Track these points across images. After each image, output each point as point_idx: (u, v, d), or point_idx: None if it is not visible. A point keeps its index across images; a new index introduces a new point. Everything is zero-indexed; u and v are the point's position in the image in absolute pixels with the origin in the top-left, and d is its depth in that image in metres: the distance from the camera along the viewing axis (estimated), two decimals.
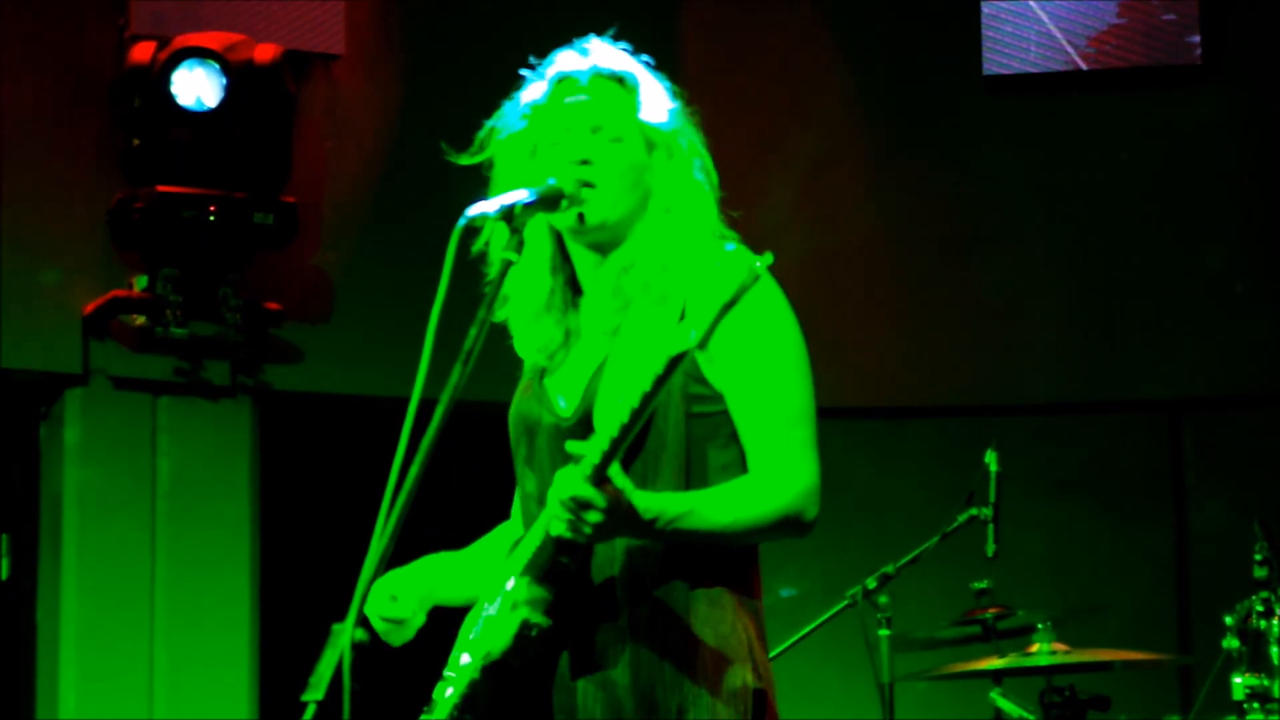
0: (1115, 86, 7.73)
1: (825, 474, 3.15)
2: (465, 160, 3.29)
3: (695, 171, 3.24)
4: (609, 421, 2.89)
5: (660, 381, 2.83)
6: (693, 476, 3.10)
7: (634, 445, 3.02)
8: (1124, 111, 7.73)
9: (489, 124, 3.28)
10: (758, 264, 2.80)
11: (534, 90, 3.26)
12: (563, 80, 3.24)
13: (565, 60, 3.26)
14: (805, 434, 3.12)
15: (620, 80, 3.24)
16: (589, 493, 2.91)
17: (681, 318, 3.06)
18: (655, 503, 3.00)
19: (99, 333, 6.79)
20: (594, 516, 2.92)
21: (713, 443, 3.13)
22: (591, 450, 2.90)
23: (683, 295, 3.11)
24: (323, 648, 2.75)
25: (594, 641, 3.11)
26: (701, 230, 3.20)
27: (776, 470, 3.09)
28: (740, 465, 3.13)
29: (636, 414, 2.86)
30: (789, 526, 3.10)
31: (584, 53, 3.26)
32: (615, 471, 2.92)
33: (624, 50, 3.28)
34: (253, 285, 6.87)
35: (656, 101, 3.25)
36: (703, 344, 2.80)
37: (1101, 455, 7.65)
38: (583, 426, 3.11)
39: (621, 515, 2.95)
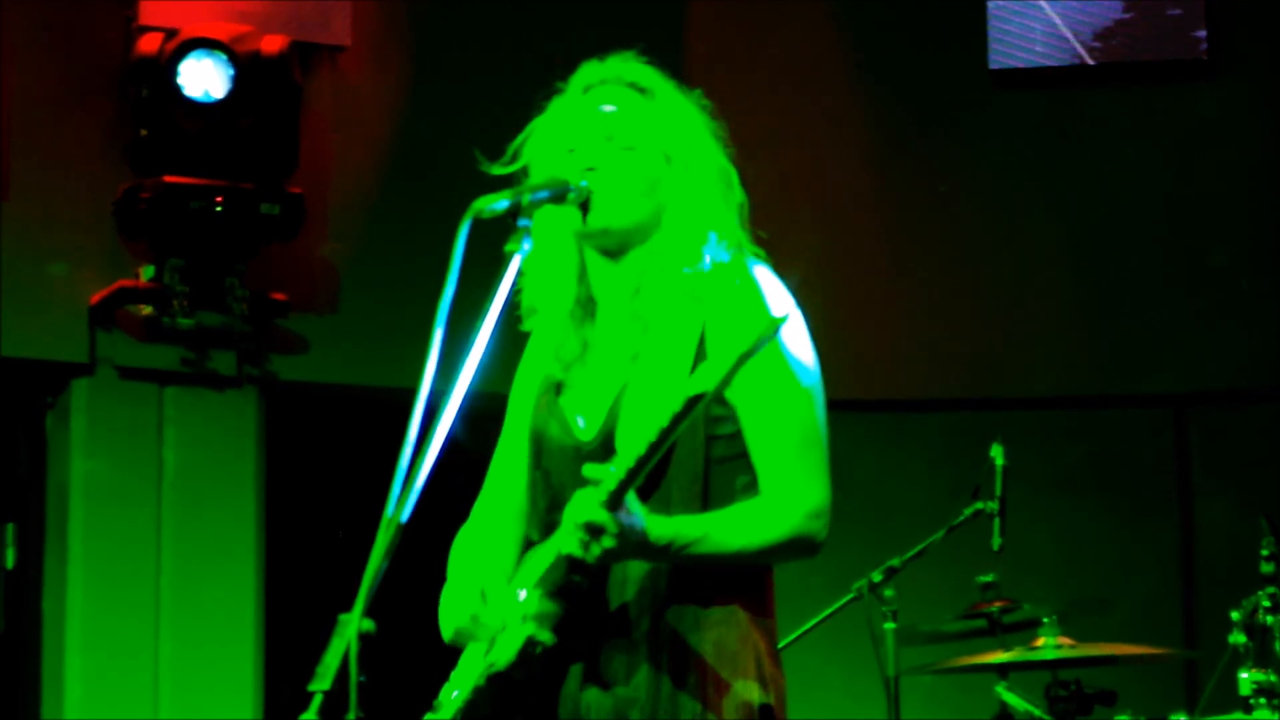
0: (1121, 81, 7.73)
1: (831, 467, 3.17)
2: (498, 170, 3.29)
3: (715, 186, 3.25)
4: (627, 450, 2.92)
5: (678, 419, 2.87)
6: (713, 497, 3.13)
7: (654, 469, 3.03)
8: (1130, 106, 7.73)
9: (519, 138, 3.30)
10: (780, 316, 2.84)
11: (558, 102, 3.29)
12: (586, 90, 3.27)
13: (588, 71, 3.29)
14: (816, 458, 3.15)
15: (641, 91, 3.26)
16: (604, 518, 2.94)
17: (701, 341, 3.11)
18: (668, 529, 3.03)
19: (105, 322, 6.79)
20: (607, 542, 2.96)
21: (734, 463, 3.16)
22: (609, 476, 2.93)
23: (702, 319, 3.13)
24: (329, 638, 2.75)
25: (605, 655, 3.13)
26: (719, 247, 3.21)
27: (787, 494, 3.11)
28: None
29: (654, 447, 2.90)
30: (798, 549, 3.13)
31: (607, 64, 3.28)
32: (631, 498, 2.96)
33: (648, 62, 3.29)
34: (259, 275, 6.87)
35: (678, 115, 3.26)
36: (719, 391, 2.84)
37: (1108, 450, 7.65)
38: (604, 450, 3.13)
39: (633, 542, 2.98)
